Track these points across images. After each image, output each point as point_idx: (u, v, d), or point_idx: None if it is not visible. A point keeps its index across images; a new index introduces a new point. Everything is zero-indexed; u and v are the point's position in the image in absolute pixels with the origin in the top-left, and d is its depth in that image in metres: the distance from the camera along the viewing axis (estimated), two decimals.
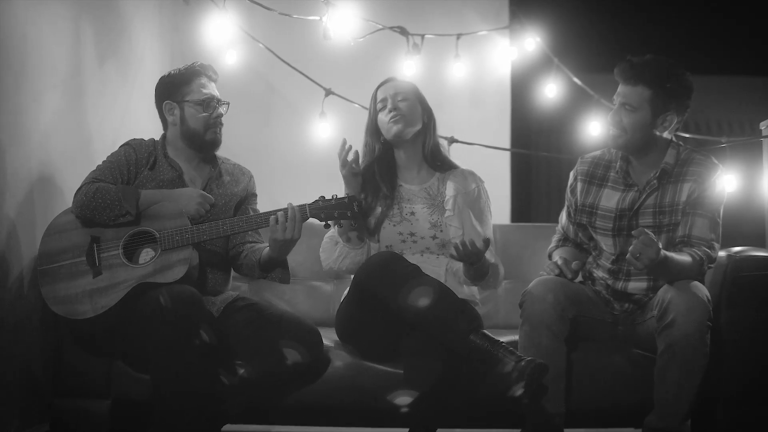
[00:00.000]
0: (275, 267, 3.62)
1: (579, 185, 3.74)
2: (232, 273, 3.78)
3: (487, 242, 3.44)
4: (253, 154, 4.97)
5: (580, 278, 3.70)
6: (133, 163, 3.64)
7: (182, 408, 3.26)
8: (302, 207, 3.47)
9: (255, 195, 3.85)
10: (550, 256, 3.81)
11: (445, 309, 3.29)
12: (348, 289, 3.63)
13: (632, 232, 3.39)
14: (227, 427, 3.54)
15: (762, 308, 3.58)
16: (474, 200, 3.75)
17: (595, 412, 3.61)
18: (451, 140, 4.86)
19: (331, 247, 3.66)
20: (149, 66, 4.87)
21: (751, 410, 3.57)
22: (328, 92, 5.00)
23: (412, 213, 3.70)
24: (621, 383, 3.59)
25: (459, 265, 3.60)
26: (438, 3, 5.90)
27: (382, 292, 3.34)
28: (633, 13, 7.40)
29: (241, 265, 3.69)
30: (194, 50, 5.09)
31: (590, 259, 3.77)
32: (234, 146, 4.25)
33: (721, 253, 3.63)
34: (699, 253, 3.46)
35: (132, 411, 3.59)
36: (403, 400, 3.40)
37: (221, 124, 3.71)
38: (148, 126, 4.06)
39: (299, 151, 5.51)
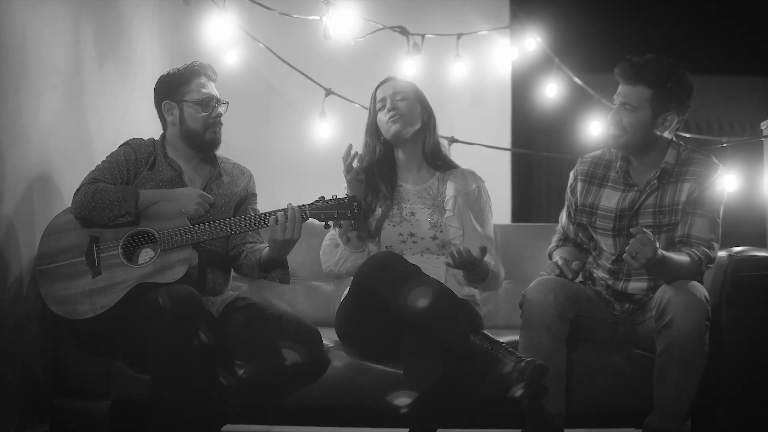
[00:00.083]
0: (275, 267, 3.61)
1: (579, 185, 3.74)
2: (232, 273, 3.78)
3: (483, 250, 3.44)
4: (253, 154, 4.97)
5: (580, 278, 3.70)
6: (133, 163, 3.63)
7: (182, 408, 3.26)
8: (302, 207, 3.46)
9: (255, 195, 3.85)
10: (550, 256, 3.81)
11: (445, 309, 3.29)
12: (348, 289, 3.63)
13: (631, 230, 3.38)
14: (227, 427, 3.54)
15: (762, 308, 3.58)
16: (474, 200, 3.74)
17: (596, 412, 3.61)
18: (452, 140, 4.85)
19: (331, 250, 3.66)
20: (149, 66, 4.86)
21: (752, 410, 3.56)
22: (329, 92, 5.00)
23: (412, 213, 3.70)
24: (621, 383, 3.58)
25: None
26: (438, 3, 5.89)
27: (382, 292, 3.33)
28: (633, 13, 7.40)
29: (241, 265, 3.69)
30: (194, 50, 5.08)
31: (590, 259, 3.77)
32: (234, 146, 4.25)
33: (722, 253, 3.62)
34: (697, 253, 3.45)
35: (132, 411, 3.59)
36: (403, 400, 3.39)
37: (221, 123, 3.70)
38: (148, 126, 4.05)
39: (299, 151, 5.51)
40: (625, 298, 3.63)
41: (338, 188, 3.63)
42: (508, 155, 5.92)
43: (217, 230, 3.47)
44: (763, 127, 4.38)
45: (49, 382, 3.66)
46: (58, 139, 3.86)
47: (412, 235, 3.67)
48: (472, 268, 3.45)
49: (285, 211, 3.45)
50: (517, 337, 3.45)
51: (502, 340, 3.27)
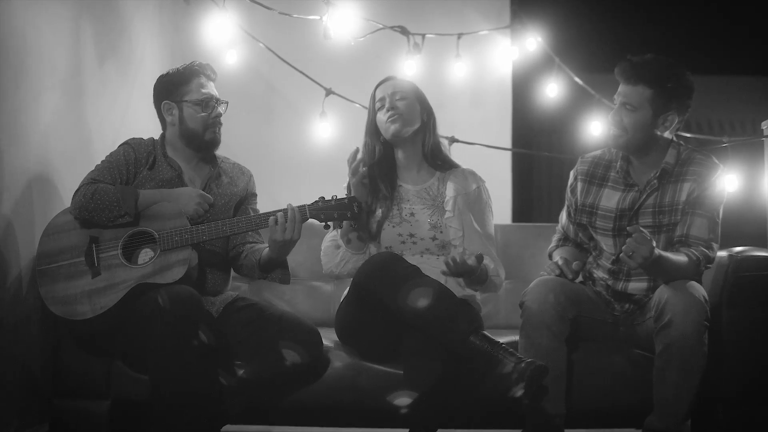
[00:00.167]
0: (275, 267, 3.61)
1: (579, 185, 3.73)
2: (232, 273, 3.77)
3: (479, 258, 3.43)
4: (254, 154, 4.97)
5: (580, 278, 3.70)
6: (132, 163, 3.63)
7: (181, 408, 3.26)
8: (302, 208, 3.46)
9: (255, 195, 3.85)
10: (550, 256, 3.80)
11: (444, 310, 3.28)
12: (348, 289, 3.62)
13: (627, 228, 3.38)
14: (227, 427, 3.54)
15: (763, 308, 3.58)
16: (474, 200, 3.74)
17: (596, 412, 3.61)
18: (452, 140, 4.85)
19: (332, 251, 3.65)
20: (149, 66, 4.86)
21: (752, 410, 3.56)
22: (329, 92, 4.99)
23: (412, 214, 3.69)
24: (621, 384, 3.58)
25: None
26: (439, 2, 5.89)
27: (381, 293, 3.33)
28: (634, 13, 7.40)
29: (242, 265, 3.69)
30: (194, 50, 5.08)
31: (590, 259, 3.76)
32: (234, 146, 4.25)
33: (722, 253, 3.62)
34: (696, 252, 3.45)
35: (131, 411, 3.58)
36: (403, 400, 3.39)
37: (220, 123, 3.70)
38: (148, 126, 4.05)
39: (299, 151, 5.51)
40: (625, 299, 3.63)
41: (338, 188, 3.63)
42: (508, 155, 5.91)
43: (216, 230, 3.46)
44: (764, 127, 4.38)
45: (49, 382, 3.66)
46: (57, 139, 3.86)
47: (411, 235, 3.66)
48: (469, 275, 3.45)
49: (285, 211, 3.45)
50: (517, 338, 3.44)
51: (502, 340, 3.26)
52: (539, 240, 4.23)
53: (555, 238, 3.87)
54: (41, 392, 3.66)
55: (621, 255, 3.31)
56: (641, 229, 3.30)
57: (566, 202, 3.81)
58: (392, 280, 3.31)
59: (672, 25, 7.38)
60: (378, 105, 3.72)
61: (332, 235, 3.67)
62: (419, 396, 3.35)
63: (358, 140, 3.78)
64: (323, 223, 3.47)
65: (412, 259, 3.56)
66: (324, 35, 4.77)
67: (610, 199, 3.64)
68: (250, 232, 3.68)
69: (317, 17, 4.81)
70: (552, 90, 5.56)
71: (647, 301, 3.57)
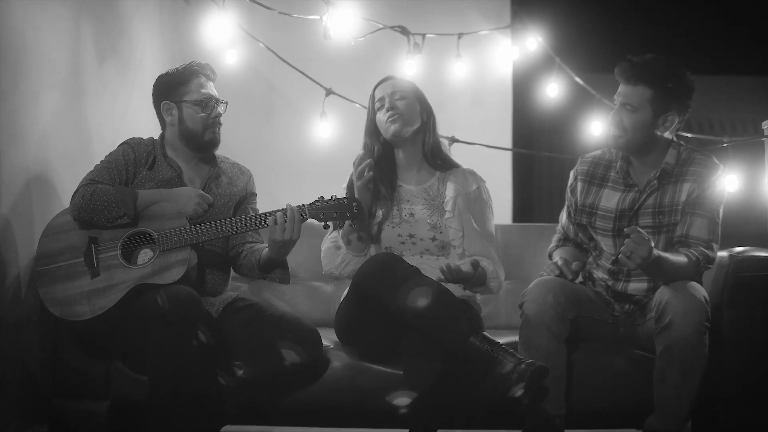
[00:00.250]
0: (275, 267, 3.61)
1: (579, 185, 3.73)
2: (232, 273, 3.77)
3: (475, 264, 3.43)
4: (254, 154, 4.96)
5: (580, 279, 3.69)
6: (132, 163, 3.62)
7: (180, 409, 3.26)
8: (301, 207, 3.46)
9: (254, 194, 3.84)
10: (550, 257, 3.80)
11: (444, 310, 3.28)
12: (347, 289, 3.61)
13: (625, 230, 3.37)
14: (227, 427, 3.54)
15: (763, 308, 3.57)
16: (475, 201, 3.73)
17: (596, 413, 3.60)
18: (452, 140, 4.84)
19: (333, 253, 3.64)
20: (149, 66, 4.86)
21: (753, 411, 3.56)
22: (329, 92, 4.99)
23: (412, 214, 3.68)
24: (622, 384, 3.57)
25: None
26: (439, 2, 5.88)
27: (381, 294, 3.32)
28: (634, 13, 7.39)
29: (241, 265, 3.69)
30: (194, 50, 5.08)
31: (590, 259, 3.76)
32: (234, 146, 4.25)
33: (723, 253, 3.61)
34: (695, 253, 3.44)
35: (130, 412, 3.58)
36: (403, 400, 3.39)
37: (220, 123, 3.69)
38: (148, 126, 4.05)
39: (300, 151, 5.51)
40: (625, 299, 3.62)
41: (338, 188, 3.63)
42: (509, 155, 5.91)
43: (216, 231, 3.46)
44: (765, 127, 4.37)
45: (48, 383, 3.66)
46: (57, 139, 3.86)
47: (411, 236, 3.65)
48: (464, 282, 3.45)
49: (284, 211, 3.44)
50: (517, 338, 3.44)
51: (502, 341, 3.26)
52: (540, 240, 4.22)
53: (555, 238, 3.87)
54: (41, 392, 3.65)
55: (620, 256, 3.31)
56: (639, 229, 3.30)
57: (566, 203, 3.81)
58: (392, 280, 3.30)
59: (672, 25, 7.37)
60: (378, 105, 3.71)
61: (333, 236, 3.66)
62: (419, 396, 3.34)
63: (358, 140, 3.78)
64: (322, 223, 3.46)
65: (412, 260, 3.55)
66: (324, 35, 4.77)
67: (610, 200, 3.64)
68: (249, 232, 3.67)
69: (317, 17, 4.80)
70: (552, 90, 5.55)
71: (647, 301, 3.56)
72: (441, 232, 3.65)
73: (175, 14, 5.41)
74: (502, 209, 5.50)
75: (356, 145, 3.78)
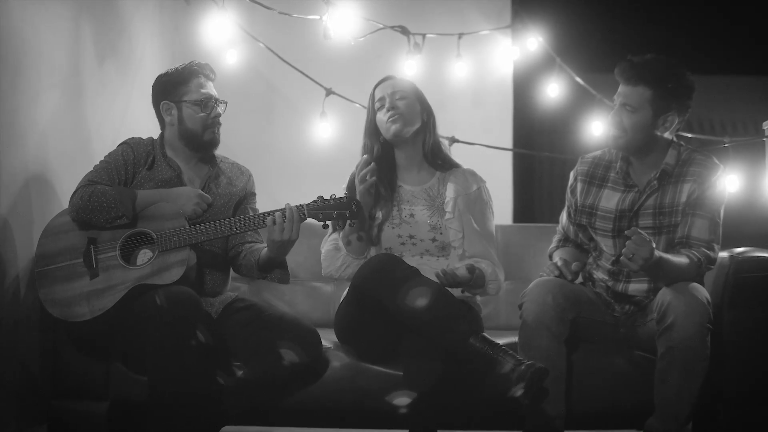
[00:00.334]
0: (274, 267, 3.60)
1: (579, 185, 3.72)
2: (231, 273, 3.76)
3: (471, 269, 3.43)
4: (254, 154, 4.96)
5: (580, 279, 3.69)
6: (131, 163, 3.62)
7: (180, 409, 3.25)
8: (300, 207, 3.45)
9: (254, 194, 3.84)
10: (550, 257, 3.79)
11: (444, 311, 3.27)
12: (347, 290, 3.61)
13: (625, 232, 3.36)
14: (226, 428, 3.54)
15: (764, 309, 3.57)
16: (475, 201, 3.72)
17: (596, 414, 3.60)
18: (453, 140, 4.84)
19: (333, 254, 3.63)
20: (149, 66, 4.86)
21: (754, 411, 3.55)
22: (329, 92, 4.99)
23: (412, 215, 3.68)
24: (622, 385, 3.57)
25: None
26: (439, 2, 5.88)
27: (380, 295, 3.32)
28: (634, 13, 7.39)
29: (241, 265, 3.68)
30: (194, 50, 5.07)
31: (590, 260, 3.75)
32: (234, 146, 4.25)
33: (724, 254, 3.61)
34: (696, 254, 3.44)
35: (130, 412, 3.58)
36: (403, 401, 3.39)
37: (219, 123, 3.69)
38: (148, 126, 4.04)
39: (299, 151, 5.51)
40: (625, 300, 3.62)
41: (338, 188, 3.62)
42: (509, 155, 5.90)
43: (215, 231, 3.45)
44: (765, 127, 4.37)
45: (48, 383, 3.65)
46: (56, 140, 3.85)
47: (411, 237, 3.65)
48: (461, 286, 3.44)
49: (283, 211, 3.44)
50: (517, 339, 3.43)
51: (502, 341, 3.26)
52: (540, 241, 4.22)
53: (555, 238, 3.86)
54: (40, 393, 3.65)
55: (621, 258, 3.30)
56: (640, 231, 3.29)
57: (566, 203, 3.80)
58: (391, 281, 3.30)
59: (672, 25, 7.36)
60: (378, 105, 3.71)
61: (333, 238, 3.66)
62: (419, 397, 3.34)
63: (358, 140, 3.77)
64: (322, 223, 3.46)
65: (412, 261, 3.55)
66: (324, 35, 4.76)
67: (610, 200, 3.63)
68: (249, 232, 3.67)
69: (317, 17, 4.80)
70: (553, 90, 5.55)
71: (648, 302, 3.56)
72: (441, 233, 3.65)
73: (175, 14, 5.41)
74: (502, 209, 5.49)
75: (356, 145, 3.78)
